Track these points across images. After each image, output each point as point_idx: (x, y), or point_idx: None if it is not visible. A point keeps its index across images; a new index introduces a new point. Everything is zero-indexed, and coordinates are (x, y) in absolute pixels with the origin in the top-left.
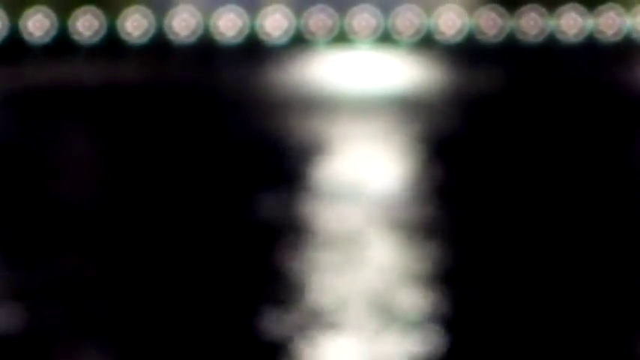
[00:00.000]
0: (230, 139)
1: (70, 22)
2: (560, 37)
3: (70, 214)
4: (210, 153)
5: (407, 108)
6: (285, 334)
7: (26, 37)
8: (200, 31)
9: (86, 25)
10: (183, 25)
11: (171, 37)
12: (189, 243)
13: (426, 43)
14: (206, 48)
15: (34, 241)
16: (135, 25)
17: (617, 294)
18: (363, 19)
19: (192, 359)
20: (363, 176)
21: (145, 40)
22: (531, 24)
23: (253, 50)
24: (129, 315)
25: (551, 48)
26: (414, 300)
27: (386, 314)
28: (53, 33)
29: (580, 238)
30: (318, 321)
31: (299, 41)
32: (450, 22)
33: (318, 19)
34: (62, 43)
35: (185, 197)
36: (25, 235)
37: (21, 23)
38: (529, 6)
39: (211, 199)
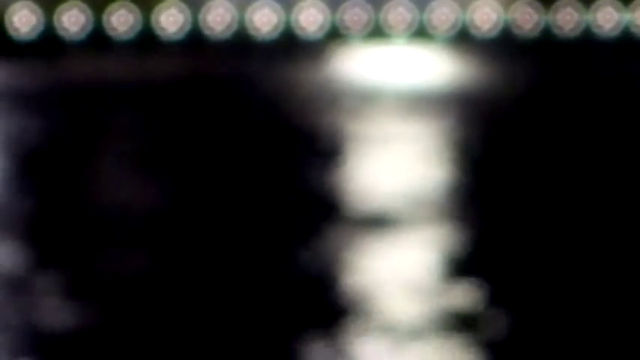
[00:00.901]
0: (266, 135)
1: (104, 18)
2: (596, 31)
3: (108, 211)
4: (246, 148)
5: (443, 103)
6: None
7: (61, 32)
8: (235, 26)
9: (121, 20)
10: (218, 20)
11: (207, 32)
12: (227, 237)
13: (462, 37)
14: (241, 43)
15: (73, 240)
16: (170, 21)
17: None
18: (398, 13)
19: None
20: (398, 172)
21: (180, 35)
22: (567, 18)
23: (289, 45)
24: (175, 312)
25: (588, 42)
26: (442, 296)
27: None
28: (88, 28)
29: (627, 239)
30: (353, 311)
31: (334, 36)
32: (486, 17)
33: (354, 14)
34: (97, 39)
35: (220, 192)
36: (64, 233)
37: (55, 19)
38: (565, 0)
39: (246, 193)
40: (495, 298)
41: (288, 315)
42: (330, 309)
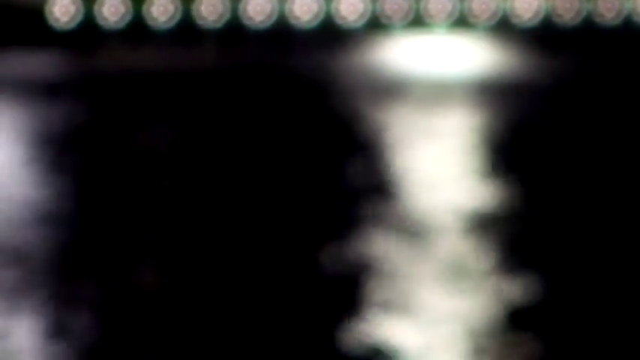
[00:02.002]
0: (307, 125)
1: (144, 8)
2: (638, 19)
3: (148, 202)
4: (287, 138)
5: (484, 92)
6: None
7: (101, 22)
8: (275, 16)
9: (161, 10)
10: (258, 9)
11: (246, 21)
12: (263, 225)
13: (503, 26)
14: (281, 33)
15: (112, 227)
16: (210, 10)
17: None
18: (439, 2)
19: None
20: (440, 163)
21: (220, 24)
22: (609, 6)
23: (329, 35)
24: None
25: (630, 31)
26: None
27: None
28: (128, 18)
29: None
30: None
31: (375, 26)
32: (527, 6)
33: (394, 3)
34: (137, 29)
35: (261, 184)
36: (102, 221)
37: (95, 8)
38: None
39: (285, 183)
40: (544, 300)
41: (321, 313)
42: (360, 308)
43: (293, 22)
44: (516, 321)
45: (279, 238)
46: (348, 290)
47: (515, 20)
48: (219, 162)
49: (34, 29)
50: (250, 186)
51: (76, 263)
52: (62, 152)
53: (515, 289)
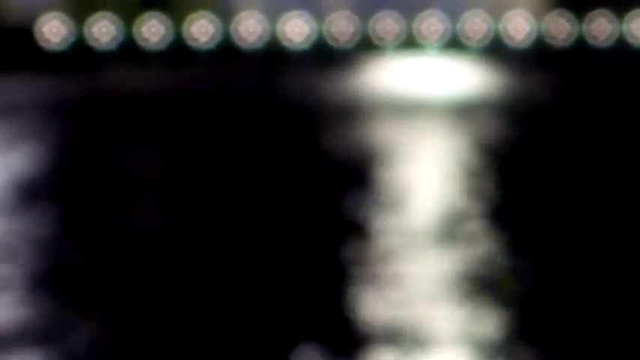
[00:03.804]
0: (298, 145)
1: (135, 28)
2: (630, 41)
3: (140, 221)
4: (278, 158)
5: (476, 113)
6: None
7: (92, 43)
8: (267, 37)
9: (152, 30)
10: (250, 30)
11: (238, 43)
12: (253, 247)
13: (495, 48)
14: (273, 54)
15: (107, 248)
16: (201, 31)
17: None
18: (431, 24)
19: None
20: (428, 182)
21: (211, 46)
22: (601, 29)
23: (320, 56)
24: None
25: (621, 53)
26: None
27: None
28: (119, 39)
29: None
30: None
31: (366, 47)
32: (519, 27)
33: (386, 25)
34: (128, 50)
35: (250, 200)
36: (97, 240)
37: (86, 29)
38: (598, 11)
39: (276, 202)
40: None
41: (317, 329)
42: (356, 323)
43: (285, 43)
44: (515, 328)
45: (267, 256)
46: (337, 297)
47: (507, 42)
48: (210, 181)
49: (24, 51)
50: (242, 203)
51: (61, 285)
52: (52, 173)
53: (502, 301)
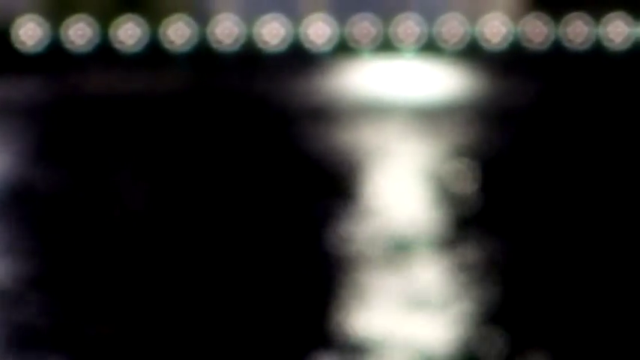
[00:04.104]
0: (274, 148)
1: (111, 31)
2: (606, 44)
3: (115, 222)
4: (254, 161)
5: (452, 116)
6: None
7: (68, 45)
8: (243, 40)
9: (128, 33)
10: (226, 33)
11: (214, 45)
12: (232, 246)
13: (471, 51)
14: (249, 56)
15: (77, 251)
16: (178, 34)
17: None
18: (407, 27)
19: None
20: (404, 185)
21: (187, 48)
22: (577, 31)
23: (297, 59)
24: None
25: (598, 56)
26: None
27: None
28: (95, 42)
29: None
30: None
31: (343, 50)
32: (495, 30)
33: (362, 28)
34: (104, 52)
35: (224, 204)
36: (67, 245)
37: (62, 32)
38: (575, 14)
39: (250, 206)
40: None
41: (301, 341)
42: (338, 334)
43: (261, 46)
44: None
45: (241, 258)
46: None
47: (484, 45)
48: (186, 183)
49: (0, 53)
50: (218, 206)
51: (40, 292)
52: (30, 175)
53: (477, 308)
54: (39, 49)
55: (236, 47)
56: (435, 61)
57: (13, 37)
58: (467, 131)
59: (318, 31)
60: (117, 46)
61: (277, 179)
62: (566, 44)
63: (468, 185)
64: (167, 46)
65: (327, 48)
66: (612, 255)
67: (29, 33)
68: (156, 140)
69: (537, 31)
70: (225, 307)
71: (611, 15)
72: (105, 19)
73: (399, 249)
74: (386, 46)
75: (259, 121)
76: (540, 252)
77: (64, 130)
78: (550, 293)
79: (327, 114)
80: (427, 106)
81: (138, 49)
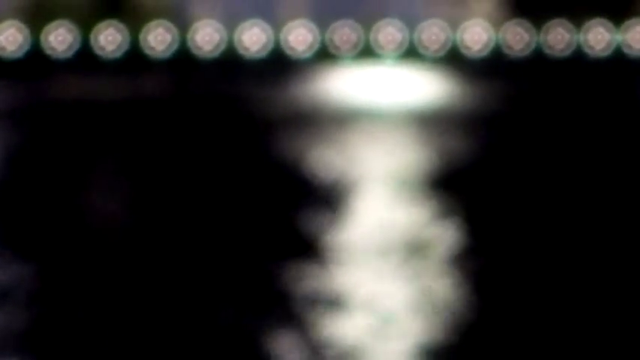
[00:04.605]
0: (254, 154)
1: (92, 37)
2: (587, 51)
3: (92, 228)
4: (234, 168)
5: (433, 123)
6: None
7: (48, 51)
8: (224, 46)
9: (109, 39)
10: (206, 39)
11: (195, 51)
12: (207, 252)
13: (453, 57)
14: (230, 62)
15: (55, 254)
16: (158, 40)
17: None
18: (388, 33)
19: None
20: (385, 192)
21: (168, 54)
22: (558, 38)
23: (278, 65)
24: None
25: (579, 63)
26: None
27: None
28: (75, 47)
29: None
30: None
31: (324, 56)
32: (476, 37)
33: (343, 34)
34: (85, 58)
35: (205, 210)
36: (46, 249)
37: (42, 37)
38: (556, 20)
39: (231, 212)
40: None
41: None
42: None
43: (242, 51)
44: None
45: (215, 264)
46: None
47: (465, 51)
48: (164, 189)
49: None
50: (199, 212)
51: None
52: (6, 181)
53: (458, 311)
54: (19, 54)
55: (217, 53)
56: (416, 68)
57: None
58: (448, 137)
59: (299, 37)
60: (97, 51)
61: (257, 185)
62: (547, 51)
63: (450, 191)
64: (148, 51)
65: (308, 54)
66: (594, 258)
67: (9, 38)
68: (136, 146)
69: (518, 37)
70: (204, 309)
71: (592, 22)
72: (85, 24)
73: (382, 256)
74: (367, 52)
75: (240, 126)
76: (524, 254)
77: (45, 136)
78: (531, 298)
79: (308, 120)
80: (408, 112)
81: (118, 54)
